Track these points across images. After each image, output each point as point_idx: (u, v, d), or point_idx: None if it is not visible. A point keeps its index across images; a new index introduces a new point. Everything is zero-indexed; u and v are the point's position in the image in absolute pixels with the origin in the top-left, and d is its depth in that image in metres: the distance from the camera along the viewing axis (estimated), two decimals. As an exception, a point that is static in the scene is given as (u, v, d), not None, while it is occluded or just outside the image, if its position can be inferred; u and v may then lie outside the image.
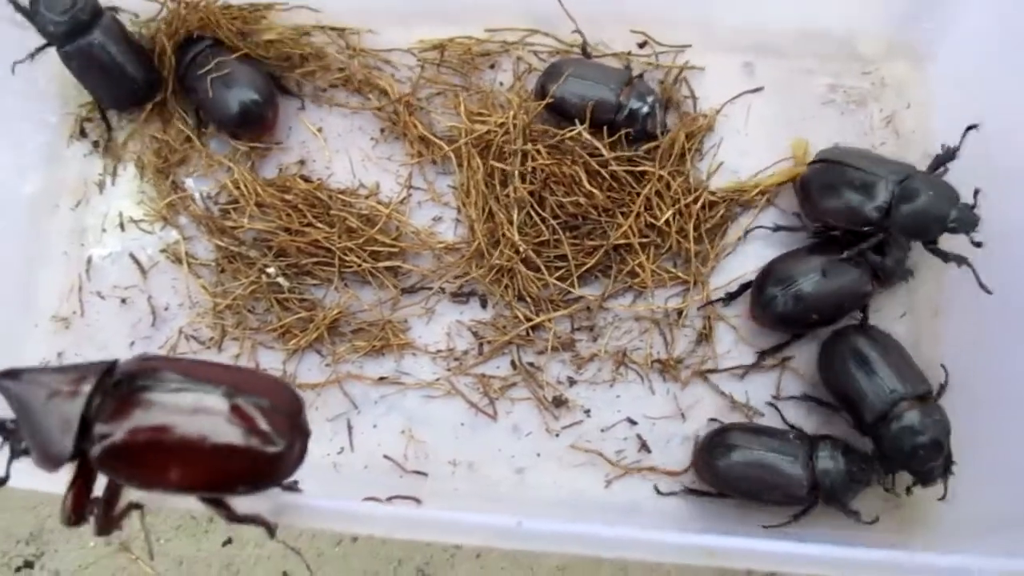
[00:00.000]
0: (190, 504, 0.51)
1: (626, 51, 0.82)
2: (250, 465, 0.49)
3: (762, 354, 0.74)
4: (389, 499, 0.65)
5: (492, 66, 0.84)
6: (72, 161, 0.84)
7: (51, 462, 0.49)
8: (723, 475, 0.69)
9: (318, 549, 0.74)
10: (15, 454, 0.50)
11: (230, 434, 0.48)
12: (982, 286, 0.66)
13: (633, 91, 0.76)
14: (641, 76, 0.79)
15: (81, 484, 0.50)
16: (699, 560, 0.45)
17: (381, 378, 0.76)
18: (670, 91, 0.81)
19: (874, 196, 0.68)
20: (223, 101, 0.79)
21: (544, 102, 0.77)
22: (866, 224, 0.68)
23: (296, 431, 0.50)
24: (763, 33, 0.82)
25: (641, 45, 0.83)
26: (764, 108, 0.81)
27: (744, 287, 0.75)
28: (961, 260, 0.68)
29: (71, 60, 0.78)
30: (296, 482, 0.55)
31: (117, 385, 0.49)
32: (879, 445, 0.67)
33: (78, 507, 0.50)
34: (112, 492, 0.52)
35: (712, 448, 0.70)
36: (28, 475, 0.50)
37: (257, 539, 0.75)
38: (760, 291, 0.72)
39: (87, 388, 0.48)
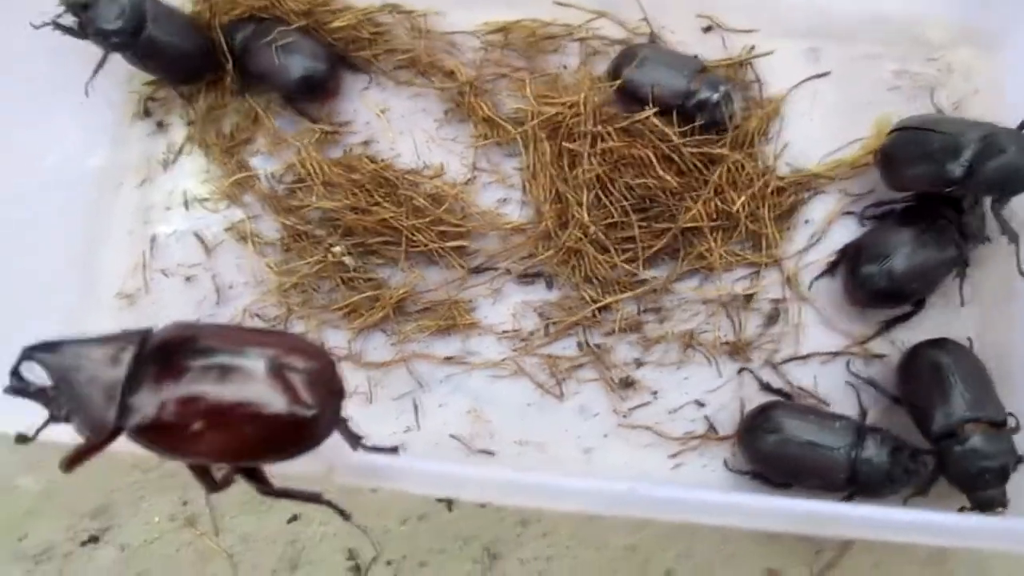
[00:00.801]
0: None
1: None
2: (285, 431, 0.49)
3: (882, 328, 0.74)
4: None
5: (556, 50, 0.84)
6: (136, 140, 0.84)
7: (95, 431, 0.49)
8: (764, 455, 0.69)
9: (384, 527, 0.75)
10: (53, 419, 0.50)
11: (264, 401, 0.48)
12: (1021, 271, 0.67)
13: (705, 80, 0.76)
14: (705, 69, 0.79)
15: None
16: (809, 528, 0.45)
17: (447, 358, 0.76)
18: (736, 76, 0.81)
19: (957, 155, 0.67)
20: (285, 68, 0.80)
21: (616, 83, 0.77)
22: (950, 184, 0.68)
23: (329, 395, 0.50)
24: (829, 18, 0.82)
25: (707, 30, 0.83)
26: (829, 93, 0.81)
27: (830, 268, 0.75)
28: (1015, 236, 0.67)
29: (142, 59, 0.80)
30: (396, 448, 0.54)
31: (154, 353, 0.49)
32: (942, 462, 0.66)
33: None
34: None
35: (754, 427, 0.70)
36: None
37: (322, 517, 0.75)
38: (855, 270, 0.72)
39: (127, 357, 0.48)
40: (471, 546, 0.74)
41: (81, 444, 0.50)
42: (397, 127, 0.83)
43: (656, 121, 0.76)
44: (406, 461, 0.52)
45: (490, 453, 0.73)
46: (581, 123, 0.77)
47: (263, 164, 0.82)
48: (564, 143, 0.77)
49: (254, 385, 0.48)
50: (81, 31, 0.76)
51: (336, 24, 0.83)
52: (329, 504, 0.55)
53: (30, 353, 0.49)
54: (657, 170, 0.75)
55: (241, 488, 0.77)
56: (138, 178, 0.83)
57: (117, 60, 0.81)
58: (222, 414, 0.48)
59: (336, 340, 0.77)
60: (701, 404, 0.74)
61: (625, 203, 0.76)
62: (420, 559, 0.74)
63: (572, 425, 0.74)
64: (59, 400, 0.49)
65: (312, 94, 0.82)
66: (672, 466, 0.72)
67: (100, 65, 0.78)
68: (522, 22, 0.83)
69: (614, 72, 0.79)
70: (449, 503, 0.59)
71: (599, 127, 0.76)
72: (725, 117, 0.77)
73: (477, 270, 0.78)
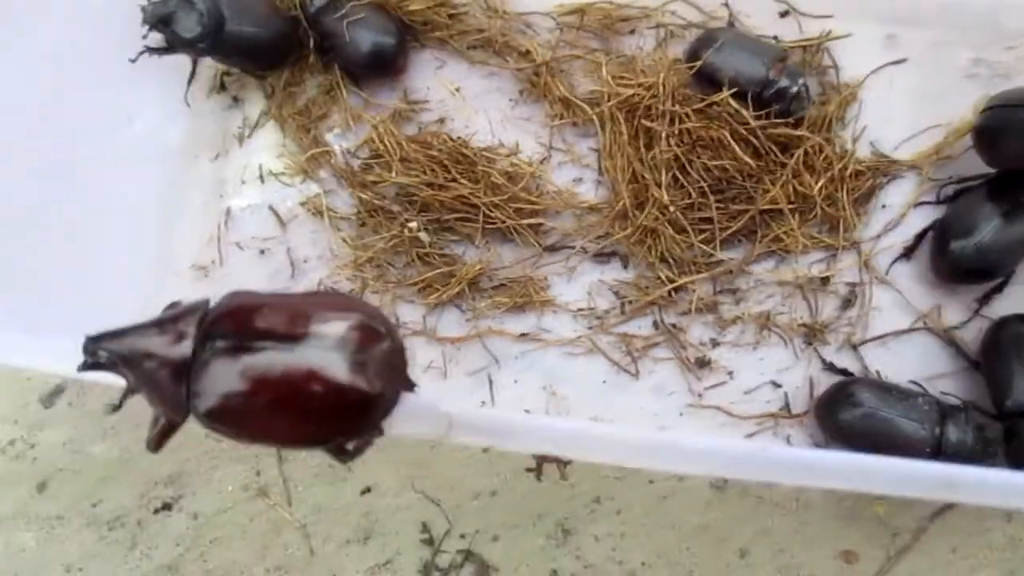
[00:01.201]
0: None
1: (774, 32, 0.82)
2: (349, 410, 0.48)
3: (973, 313, 0.74)
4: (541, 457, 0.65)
5: (632, 31, 0.84)
6: (211, 113, 0.85)
7: (171, 410, 0.49)
8: (844, 429, 0.69)
9: (457, 501, 0.75)
10: (132, 391, 0.49)
11: (328, 380, 0.46)
12: None
13: (785, 69, 0.76)
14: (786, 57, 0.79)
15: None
16: (939, 494, 0.45)
17: (522, 334, 0.76)
18: (813, 60, 0.81)
19: None
20: (355, 43, 0.81)
21: (697, 64, 0.77)
22: None
23: (393, 370, 0.49)
24: (905, 5, 0.81)
25: (783, 15, 0.83)
26: (906, 80, 0.81)
27: (907, 252, 0.75)
28: None
29: (229, 56, 0.81)
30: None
31: (215, 328, 0.47)
32: (1008, 434, 0.67)
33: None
34: None
35: (836, 401, 0.70)
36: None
37: (396, 489, 0.76)
38: (943, 247, 0.72)
39: (190, 337, 0.47)
40: (544, 522, 0.74)
41: (162, 424, 0.50)
42: (472, 106, 0.83)
43: (733, 103, 0.76)
44: (526, 417, 0.52)
45: (565, 429, 0.73)
46: (658, 104, 0.77)
47: (338, 140, 0.83)
48: (645, 122, 0.77)
49: (316, 366, 0.46)
50: (169, 47, 0.77)
51: (412, 7, 0.83)
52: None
53: (93, 345, 0.48)
54: (736, 151, 0.75)
55: (314, 460, 0.78)
56: (213, 152, 0.84)
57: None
58: (285, 393, 0.47)
59: (410, 315, 0.77)
60: (777, 385, 0.74)
61: (702, 184, 0.76)
62: (493, 533, 0.74)
63: (647, 403, 0.74)
64: (131, 377, 0.49)
65: (380, 70, 0.83)
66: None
67: (192, 76, 0.80)
68: (597, 4, 0.84)
69: (692, 55, 0.79)
70: (538, 472, 0.59)
71: (677, 107, 0.76)
72: (801, 108, 0.77)
73: (552, 248, 0.78)
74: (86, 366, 0.49)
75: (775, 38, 0.81)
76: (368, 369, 0.47)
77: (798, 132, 0.75)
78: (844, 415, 0.68)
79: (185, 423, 0.50)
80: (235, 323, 0.48)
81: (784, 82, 0.76)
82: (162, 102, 0.82)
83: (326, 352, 0.47)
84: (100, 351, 0.48)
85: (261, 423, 0.48)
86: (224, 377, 0.47)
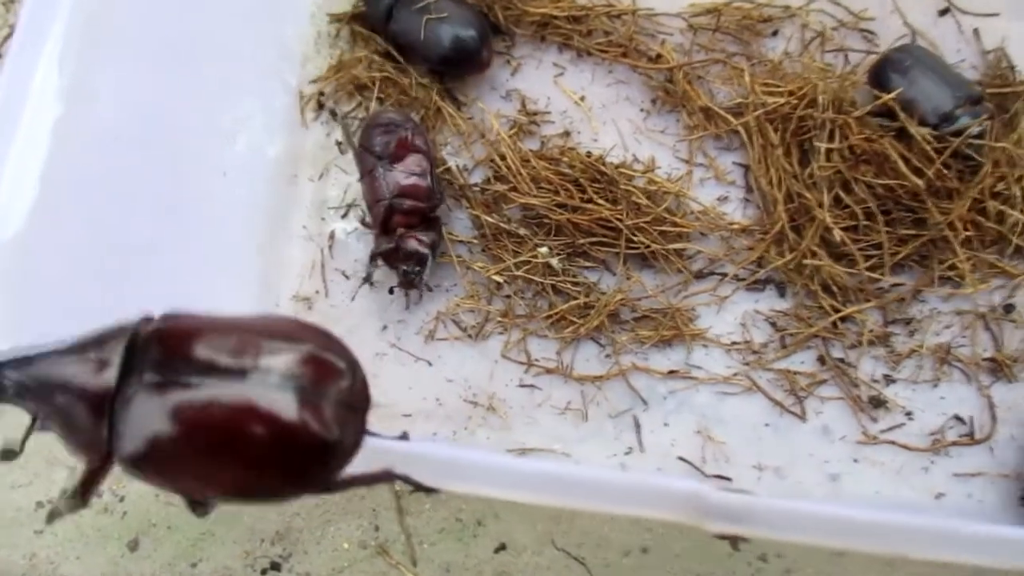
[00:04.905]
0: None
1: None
2: (301, 458, 0.41)
3: None
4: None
5: (775, 33, 0.76)
6: (311, 130, 0.77)
7: (89, 454, 0.41)
8: None
9: (604, 559, 0.67)
10: (41, 428, 0.41)
11: (275, 422, 0.40)
12: None
13: (972, 110, 0.69)
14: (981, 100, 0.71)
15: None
16: None
17: (670, 371, 0.69)
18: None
19: None
20: (435, 37, 0.74)
21: (871, 66, 0.70)
22: None
23: (352, 411, 0.42)
24: (1076, 1, 0.75)
25: (943, 12, 0.76)
26: (1081, 85, 0.74)
27: None
28: None
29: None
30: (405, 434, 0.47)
31: (145, 358, 0.40)
32: None
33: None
34: None
35: None
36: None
37: (534, 546, 0.68)
38: None
39: (114, 366, 0.40)
40: (703, 582, 0.66)
41: (83, 472, 0.42)
42: (598, 117, 0.76)
43: (900, 114, 0.69)
44: (784, 504, 0.44)
45: (726, 479, 0.66)
46: (813, 114, 0.69)
47: (452, 159, 0.75)
48: (800, 137, 0.69)
49: (264, 401, 0.40)
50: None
51: (535, 11, 0.76)
52: (404, 479, 0.44)
53: None
54: (902, 168, 0.68)
55: (440, 514, 0.70)
56: (314, 171, 0.76)
57: (300, 38, 0.76)
58: (224, 437, 0.40)
59: (542, 351, 0.70)
60: (961, 420, 0.66)
61: (868, 205, 0.68)
62: (646, 595, 0.67)
63: (815, 448, 0.67)
64: (42, 412, 0.41)
65: (461, 65, 0.76)
66: (934, 495, 0.65)
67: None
68: (734, 3, 0.76)
69: (875, 72, 0.71)
70: (734, 541, 0.52)
71: (840, 117, 0.68)
72: (978, 154, 0.69)
73: (699, 275, 0.71)
74: None
75: (971, 83, 0.72)
76: (323, 410, 0.40)
77: (997, 143, 0.67)
78: None
79: (108, 468, 0.41)
80: (167, 351, 0.40)
81: (967, 121, 0.68)
82: (264, 114, 0.75)
83: (273, 389, 0.40)
84: (4, 380, 0.40)
85: (195, 472, 0.41)
86: (152, 417, 0.39)
